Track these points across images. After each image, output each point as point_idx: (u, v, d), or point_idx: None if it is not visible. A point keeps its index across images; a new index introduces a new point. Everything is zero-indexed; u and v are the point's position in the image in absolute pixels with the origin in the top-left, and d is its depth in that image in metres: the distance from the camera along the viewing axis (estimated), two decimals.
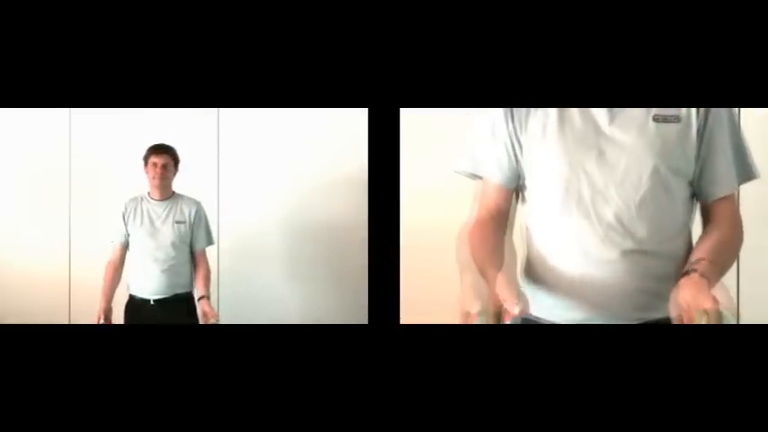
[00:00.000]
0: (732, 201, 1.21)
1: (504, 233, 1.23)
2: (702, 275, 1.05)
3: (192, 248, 2.35)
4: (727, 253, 1.16)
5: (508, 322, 1.00)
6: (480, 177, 1.26)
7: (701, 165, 1.18)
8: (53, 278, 2.91)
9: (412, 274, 1.72)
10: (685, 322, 1.02)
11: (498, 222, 1.22)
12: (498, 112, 1.22)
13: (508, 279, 1.07)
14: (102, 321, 2.22)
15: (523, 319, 1.24)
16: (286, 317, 2.75)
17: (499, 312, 1.03)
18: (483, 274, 1.12)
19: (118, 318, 2.29)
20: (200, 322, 2.22)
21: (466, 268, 1.14)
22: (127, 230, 2.31)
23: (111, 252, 2.34)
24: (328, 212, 2.80)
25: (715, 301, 0.98)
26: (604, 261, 1.15)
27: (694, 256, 1.11)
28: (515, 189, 1.26)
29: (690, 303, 1.01)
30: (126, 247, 2.33)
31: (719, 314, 0.98)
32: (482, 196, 1.25)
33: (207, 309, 2.20)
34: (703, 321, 0.98)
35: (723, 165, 1.18)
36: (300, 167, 2.81)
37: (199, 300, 2.25)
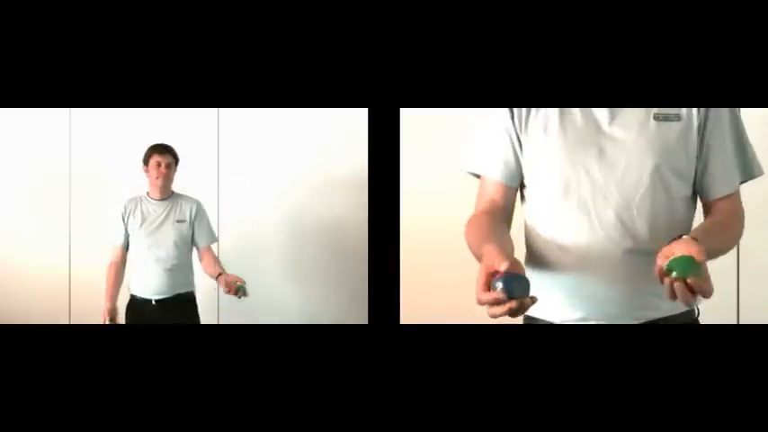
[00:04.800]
0: (734, 198, 1.20)
1: (505, 226, 1.21)
2: (694, 239, 1.01)
3: (197, 246, 2.35)
4: (723, 234, 1.15)
5: (498, 284, 0.95)
6: (481, 175, 1.26)
7: (703, 163, 1.18)
8: (53, 278, 2.91)
9: (412, 274, 1.72)
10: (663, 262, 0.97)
11: (497, 216, 1.21)
12: (499, 111, 1.22)
13: (500, 246, 1.02)
14: (107, 322, 2.23)
15: (525, 318, 1.24)
16: (286, 317, 2.75)
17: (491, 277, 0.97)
18: (477, 255, 1.08)
19: (119, 318, 2.29)
20: (225, 292, 2.17)
21: (481, 242, 1.07)
22: (127, 231, 2.32)
23: (112, 253, 2.34)
24: (328, 212, 2.81)
25: (702, 253, 0.95)
26: (604, 260, 1.15)
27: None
28: (517, 188, 1.26)
29: (675, 250, 0.97)
30: (126, 247, 2.34)
31: (699, 266, 0.94)
32: (483, 193, 1.25)
33: (229, 278, 2.16)
34: (680, 270, 0.94)
35: (725, 164, 1.18)
36: (300, 167, 2.81)
37: (217, 277, 2.23)
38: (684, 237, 1.03)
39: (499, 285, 0.94)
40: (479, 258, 1.05)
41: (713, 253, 1.05)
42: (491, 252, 0.99)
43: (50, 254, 2.92)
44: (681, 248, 0.98)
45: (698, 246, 0.97)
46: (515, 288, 0.95)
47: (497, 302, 0.94)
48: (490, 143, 1.24)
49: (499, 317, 0.95)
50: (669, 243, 1.03)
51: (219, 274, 2.23)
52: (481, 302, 0.96)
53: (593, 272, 1.16)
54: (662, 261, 0.98)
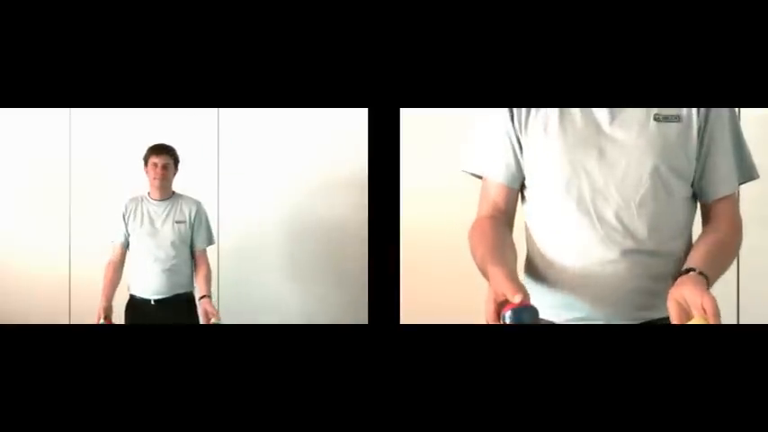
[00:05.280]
0: (733, 201, 1.21)
1: (508, 230, 1.23)
2: (701, 274, 1.05)
3: (193, 248, 2.35)
4: (726, 254, 1.16)
5: (508, 316, 0.98)
6: (483, 177, 1.26)
7: (702, 165, 1.18)
8: (53, 278, 2.91)
9: (412, 274, 1.72)
10: (682, 320, 1.02)
11: (500, 220, 1.22)
12: (499, 112, 1.22)
13: (508, 271, 1.04)
14: (101, 320, 2.21)
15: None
16: (286, 317, 2.75)
17: (502, 305, 1.01)
18: (482, 270, 1.11)
19: (118, 318, 2.29)
20: (202, 321, 2.22)
21: (486, 258, 1.11)
22: (127, 230, 2.32)
23: (112, 251, 2.34)
24: (328, 212, 2.81)
25: (713, 299, 0.99)
26: (604, 260, 1.15)
27: (692, 257, 1.11)
28: (518, 189, 1.26)
29: (688, 299, 1.01)
30: (126, 246, 2.34)
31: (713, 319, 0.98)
32: (485, 195, 1.25)
33: (208, 308, 2.20)
34: (699, 322, 0.99)
35: (724, 165, 1.18)
36: (300, 167, 2.81)
37: (200, 299, 2.26)
38: (692, 273, 1.06)
39: (509, 319, 0.98)
40: (485, 274, 1.08)
41: (717, 277, 1.08)
42: (500, 279, 1.02)
43: (50, 254, 2.92)
44: (690, 290, 1.01)
45: (710, 297, 0.99)
46: (524, 320, 0.99)
47: None
48: (491, 145, 1.24)
49: None
50: (675, 280, 1.06)
51: (204, 296, 2.24)
52: None
53: (594, 272, 1.16)
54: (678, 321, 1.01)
